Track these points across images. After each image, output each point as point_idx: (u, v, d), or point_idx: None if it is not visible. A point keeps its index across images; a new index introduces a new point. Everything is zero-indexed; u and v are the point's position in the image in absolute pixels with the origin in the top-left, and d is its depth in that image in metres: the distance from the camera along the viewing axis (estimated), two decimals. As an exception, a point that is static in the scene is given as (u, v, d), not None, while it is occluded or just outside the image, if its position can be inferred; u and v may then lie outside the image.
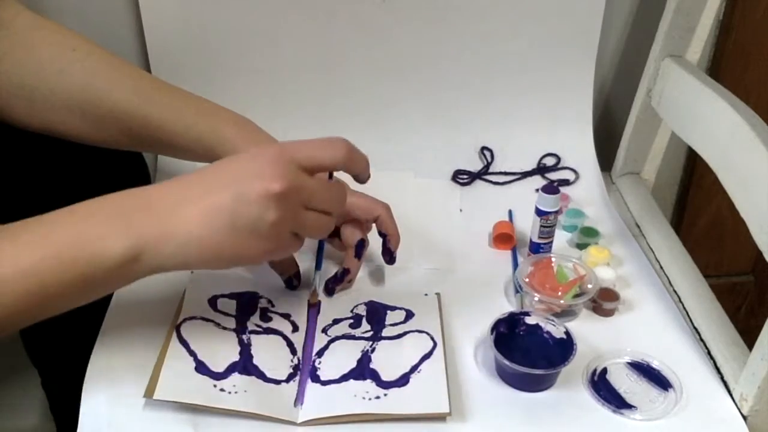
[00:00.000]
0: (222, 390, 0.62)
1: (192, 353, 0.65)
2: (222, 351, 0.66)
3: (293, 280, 0.75)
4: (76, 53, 0.69)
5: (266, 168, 0.56)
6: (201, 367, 0.64)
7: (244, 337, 0.68)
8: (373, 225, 0.75)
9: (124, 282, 0.57)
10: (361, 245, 0.74)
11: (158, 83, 0.73)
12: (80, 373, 0.64)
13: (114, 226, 0.55)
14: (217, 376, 0.63)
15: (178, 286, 0.73)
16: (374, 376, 0.65)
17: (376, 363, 0.66)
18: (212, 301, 0.71)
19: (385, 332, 0.70)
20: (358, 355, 0.67)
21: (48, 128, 0.70)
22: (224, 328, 0.68)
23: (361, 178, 0.66)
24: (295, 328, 0.70)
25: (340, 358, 0.67)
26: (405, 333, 0.70)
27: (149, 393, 0.60)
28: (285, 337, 0.69)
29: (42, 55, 0.68)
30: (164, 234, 0.55)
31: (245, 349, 0.66)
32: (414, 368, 0.66)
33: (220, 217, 0.56)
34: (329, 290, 0.75)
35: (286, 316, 0.71)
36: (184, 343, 0.66)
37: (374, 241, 0.76)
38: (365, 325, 0.71)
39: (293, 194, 0.57)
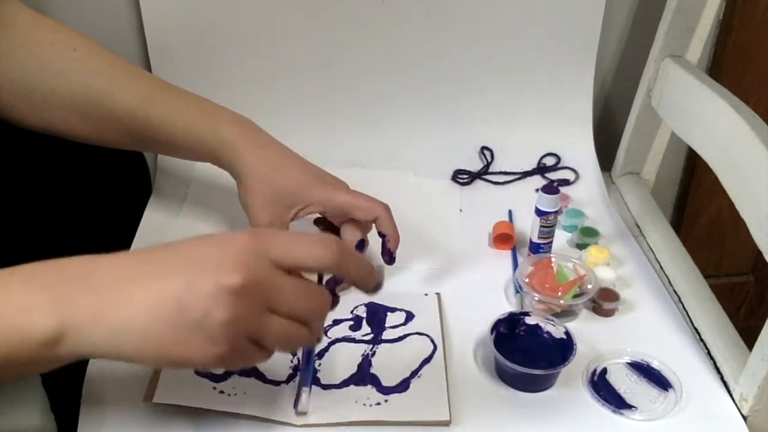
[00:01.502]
0: (221, 392, 0.62)
1: None
2: None
3: None
4: (76, 53, 0.69)
5: (228, 257, 0.47)
6: (200, 370, 0.64)
7: None
8: (373, 225, 0.75)
9: (49, 364, 0.48)
10: (361, 245, 0.74)
11: (159, 83, 0.73)
12: (80, 373, 0.64)
13: (44, 299, 0.46)
14: (216, 379, 0.63)
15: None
16: (375, 382, 0.65)
17: (377, 367, 0.66)
18: None
19: (385, 335, 0.70)
20: (359, 360, 0.67)
21: (48, 128, 0.70)
22: None
23: (365, 287, 0.55)
24: (295, 329, 0.70)
25: (341, 361, 0.67)
26: (405, 336, 0.70)
27: (148, 397, 0.61)
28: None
29: (42, 54, 0.68)
30: (98, 315, 0.46)
31: None
32: (414, 373, 0.66)
33: (166, 308, 0.47)
34: (330, 291, 0.75)
35: None
36: None
37: (374, 242, 0.76)
38: (365, 328, 0.71)
39: (253, 292, 0.47)
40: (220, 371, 0.64)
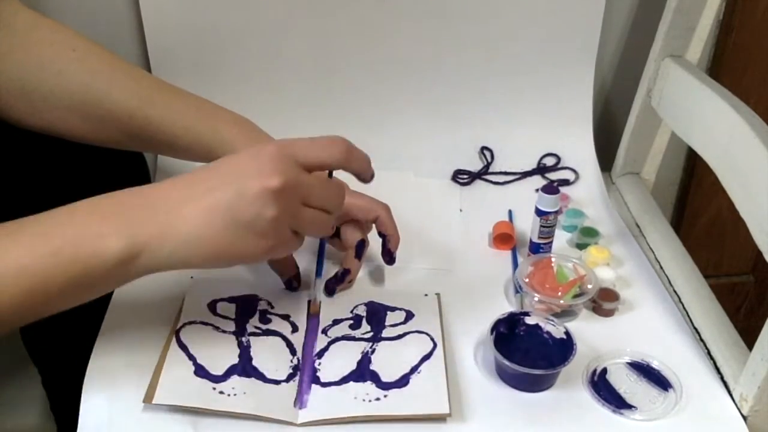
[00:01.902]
0: (221, 392, 0.62)
1: (191, 357, 0.65)
2: (221, 354, 0.66)
3: (293, 282, 0.74)
4: (76, 53, 0.69)
5: (264, 165, 0.56)
6: (200, 371, 0.64)
7: (244, 339, 0.68)
8: (373, 225, 0.75)
9: (124, 280, 0.57)
10: (362, 246, 0.74)
11: (158, 83, 0.73)
12: (80, 373, 0.64)
13: (113, 225, 0.55)
14: (217, 379, 0.63)
15: (178, 285, 0.73)
16: (374, 378, 0.65)
17: (376, 364, 0.66)
18: (212, 306, 0.71)
19: (385, 333, 0.70)
20: (358, 357, 0.67)
21: (48, 128, 0.70)
22: (223, 332, 0.68)
23: (363, 177, 0.65)
24: (295, 329, 0.70)
25: (340, 359, 0.67)
26: (405, 334, 0.70)
27: (148, 399, 0.61)
28: (284, 338, 0.69)
29: (42, 55, 0.68)
30: (163, 233, 0.55)
31: (244, 352, 0.66)
32: (414, 369, 0.66)
33: (219, 216, 0.55)
34: (330, 290, 0.75)
35: (286, 317, 0.71)
36: (184, 348, 0.66)
37: (374, 242, 0.76)
38: (365, 326, 0.71)
39: (291, 191, 0.56)
40: (220, 371, 0.64)
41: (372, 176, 0.65)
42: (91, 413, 0.61)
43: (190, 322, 0.69)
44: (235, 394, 0.62)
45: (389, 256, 0.75)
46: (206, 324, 0.69)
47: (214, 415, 0.61)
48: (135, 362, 0.65)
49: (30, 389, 0.92)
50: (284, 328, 0.70)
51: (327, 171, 0.64)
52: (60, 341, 0.78)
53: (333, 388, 0.64)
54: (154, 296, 0.71)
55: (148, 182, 0.88)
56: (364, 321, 0.72)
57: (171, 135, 0.70)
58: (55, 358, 0.81)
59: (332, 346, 0.69)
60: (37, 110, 0.69)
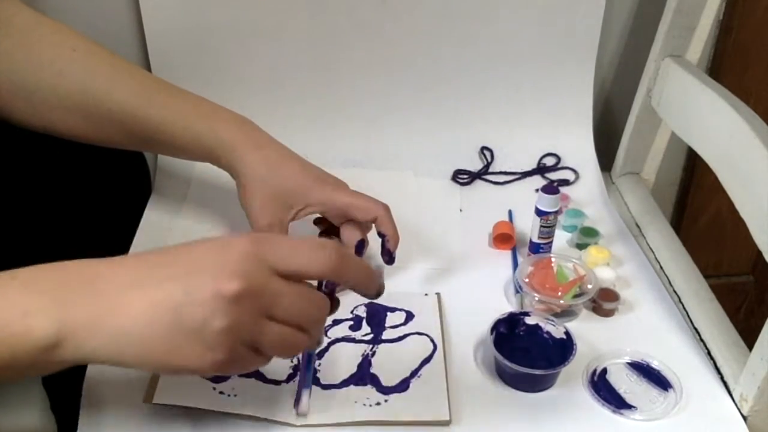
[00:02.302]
0: (221, 393, 0.62)
1: None
2: None
3: None
4: (76, 53, 0.69)
5: (228, 263, 0.47)
6: None
7: None
8: (373, 225, 0.75)
9: (50, 368, 0.48)
10: (361, 246, 0.74)
11: (159, 83, 0.73)
12: (80, 373, 0.64)
13: (43, 303, 0.47)
14: (216, 380, 0.63)
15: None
16: (374, 382, 0.65)
17: (377, 367, 0.66)
18: None
19: (385, 335, 0.70)
20: (359, 360, 0.67)
21: (48, 128, 0.70)
22: None
23: (364, 293, 0.55)
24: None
25: (341, 361, 0.67)
26: (405, 336, 0.70)
27: (148, 398, 0.61)
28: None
29: (42, 55, 0.68)
30: (97, 321, 0.47)
31: None
32: (414, 373, 0.66)
33: (164, 314, 0.47)
34: (329, 293, 0.75)
35: None
36: None
37: (374, 242, 0.76)
38: (365, 328, 0.71)
39: (251, 299, 0.47)
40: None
41: (378, 293, 0.55)
42: (91, 413, 0.61)
43: None
44: (235, 395, 0.62)
45: (389, 256, 0.75)
46: None
47: (215, 415, 0.61)
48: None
49: (30, 389, 0.91)
50: None
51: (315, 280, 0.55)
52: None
53: (333, 390, 0.64)
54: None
55: (148, 182, 0.89)
56: (364, 322, 0.72)
57: (171, 135, 0.70)
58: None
59: (332, 347, 0.69)
60: (38, 110, 0.69)
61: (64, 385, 0.79)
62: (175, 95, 0.72)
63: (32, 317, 0.46)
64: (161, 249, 0.51)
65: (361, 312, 0.73)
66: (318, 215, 0.77)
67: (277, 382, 0.64)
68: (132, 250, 0.77)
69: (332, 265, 0.50)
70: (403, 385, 0.65)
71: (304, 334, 0.51)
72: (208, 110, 0.72)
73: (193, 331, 0.47)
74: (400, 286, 0.77)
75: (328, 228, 0.78)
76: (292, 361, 0.66)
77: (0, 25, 0.68)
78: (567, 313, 0.74)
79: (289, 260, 0.49)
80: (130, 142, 0.73)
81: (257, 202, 0.72)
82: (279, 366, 0.65)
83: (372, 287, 0.54)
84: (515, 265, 0.82)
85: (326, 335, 0.70)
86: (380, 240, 0.75)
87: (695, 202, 1.15)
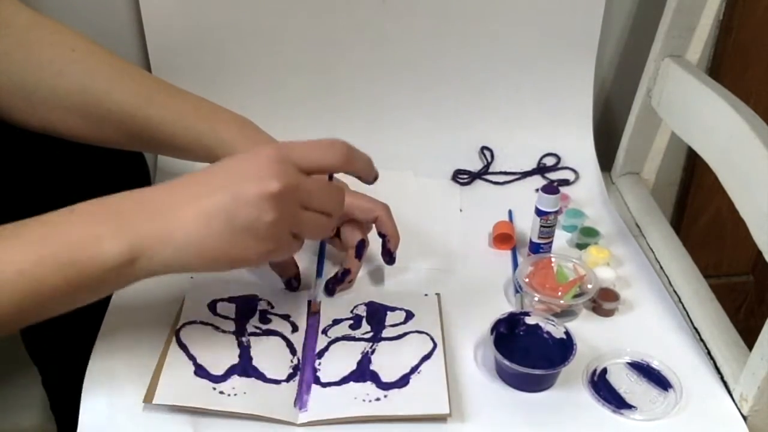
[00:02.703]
0: (221, 392, 0.62)
1: (191, 357, 0.65)
2: (221, 354, 0.66)
3: (293, 282, 0.74)
4: (75, 53, 0.69)
5: (263, 168, 0.56)
6: (200, 371, 0.64)
7: (244, 339, 0.68)
8: (373, 225, 0.75)
9: (123, 283, 0.56)
10: (362, 246, 0.74)
11: (158, 83, 0.73)
12: (80, 373, 0.64)
13: (110, 228, 0.54)
14: (217, 379, 0.63)
15: (178, 286, 0.73)
16: (374, 378, 0.65)
17: (376, 364, 0.66)
18: (212, 306, 0.71)
19: (385, 333, 0.70)
20: (358, 357, 0.67)
21: (48, 128, 0.70)
22: (223, 332, 0.68)
23: (366, 179, 0.65)
24: (295, 329, 0.70)
25: (340, 359, 0.67)
26: (405, 334, 0.70)
27: (148, 398, 0.61)
28: (284, 338, 0.69)
29: (41, 55, 0.68)
30: (162, 236, 0.55)
31: (245, 352, 0.66)
32: (414, 369, 0.66)
33: (218, 219, 0.55)
34: (330, 291, 0.75)
35: (286, 317, 0.71)
36: (184, 348, 0.66)
37: (374, 242, 0.76)
38: (365, 326, 0.71)
39: (290, 194, 0.56)
40: (220, 371, 0.64)
41: (375, 178, 0.65)
42: (91, 413, 0.61)
43: (190, 322, 0.69)
44: (235, 394, 0.62)
45: (389, 256, 0.75)
46: (206, 324, 0.69)
47: (214, 415, 0.61)
48: (135, 362, 0.65)
49: (30, 389, 0.92)
50: (284, 328, 0.70)
51: (327, 174, 0.64)
52: (60, 341, 0.78)
53: (333, 388, 0.64)
54: (154, 297, 0.71)
55: (148, 182, 0.89)
56: (364, 321, 0.72)
57: (171, 135, 0.70)
58: (55, 358, 0.81)
59: (332, 347, 0.69)
60: (37, 110, 0.69)
61: (64, 385, 0.79)
62: (175, 95, 0.72)
63: (105, 240, 0.53)
64: (197, 171, 0.58)
65: (361, 311, 0.73)
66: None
67: (277, 382, 0.64)
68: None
69: (343, 157, 0.60)
70: (402, 381, 0.65)
71: (330, 218, 0.61)
72: (209, 110, 0.72)
73: (247, 228, 0.55)
74: (400, 286, 0.77)
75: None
76: (292, 361, 0.66)
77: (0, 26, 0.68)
78: (567, 313, 0.74)
79: (310, 158, 0.59)
80: (129, 142, 0.73)
81: None
82: (279, 366, 0.65)
83: (372, 174, 0.64)
84: (515, 265, 0.82)
85: (326, 334, 0.70)
86: (381, 240, 0.75)
87: (695, 202, 1.15)
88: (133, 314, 0.70)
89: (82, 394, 0.63)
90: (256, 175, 0.55)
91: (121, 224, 0.54)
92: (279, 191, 0.55)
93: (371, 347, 0.68)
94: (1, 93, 0.68)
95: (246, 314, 0.71)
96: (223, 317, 0.70)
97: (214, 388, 0.62)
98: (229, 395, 0.62)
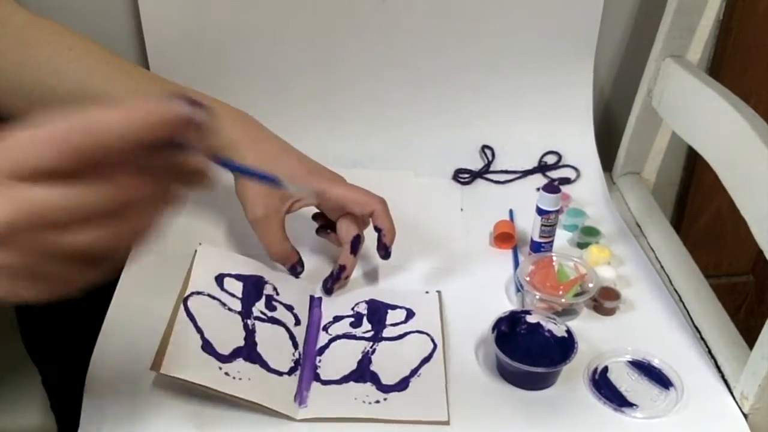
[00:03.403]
0: (227, 374, 0.62)
1: (199, 330, 0.64)
2: (227, 333, 0.65)
3: (297, 267, 0.74)
4: (72, 52, 0.69)
5: None
6: (207, 347, 0.63)
7: (249, 322, 0.67)
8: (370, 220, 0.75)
9: None
10: (357, 241, 0.74)
11: (156, 80, 0.73)
12: (81, 371, 0.64)
13: None
14: (223, 359, 0.63)
15: (178, 285, 0.72)
16: (374, 379, 0.65)
17: (377, 365, 0.66)
18: (219, 279, 0.71)
19: (386, 332, 0.70)
20: (359, 357, 0.67)
21: (47, 127, 0.70)
22: (230, 310, 0.68)
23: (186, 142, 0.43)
24: (297, 322, 0.70)
25: (341, 358, 0.67)
26: (405, 334, 0.70)
27: (156, 366, 0.60)
28: (288, 330, 0.69)
29: (39, 54, 0.68)
30: None
31: (250, 336, 0.66)
32: (414, 372, 0.66)
33: None
34: (328, 290, 0.75)
35: (290, 308, 0.71)
36: (192, 318, 0.65)
37: (372, 240, 0.76)
38: (366, 325, 0.71)
39: (17, 228, 0.36)
40: (226, 351, 0.63)
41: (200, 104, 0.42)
42: (92, 411, 0.61)
43: (198, 293, 0.68)
44: (240, 379, 0.62)
45: (384, 251, 0.74)
46: (213, 298, 0.69)
47: (215, 413, 0.61)
48: (135, 363, 0.64)
49: (30, 389, 0.91)
50: (288, 319, 0.70)
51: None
52: (60, 341, 0.78)
53: (333, 386, 0.64)
54: (154, 297, 0.71)
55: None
56: (364, 319, 0.72)
57: None
58: (55, 358, 0.81)
59: (333, 344, 0.69)
60: (35, 109, 0.69)
61: (64, 385, 0.79)
62: (174, 92, 0.72)
63: None
64: None
65: (362, 309, 0.73)
66: (316, 210, 0.77)
67: (279, 373, 0.64)
68: (132, 249, 0.77)
69: (72, 145, 0.36)
70: (402, 384, 0.65)
71: (118, 223, 0.39)
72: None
73: None
74: (400, 285, 0.77)
75: (326, 223, 0.78)
76: (294, 355, 0.66)
77: (-3, 25, 0.67)
78: (568, 312, 0.74)
79: (23, 162, 0.36)
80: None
81: (252, 194, 0.72)
82: (282, 357, 0.65)
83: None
84: (516, 263, 0.82)
85: (327, 332, 0.70)
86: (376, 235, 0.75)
87: (695, 202, 1.15)
88: (133, 315, 0.70)
89: (84, 392, 0.62)
90: None
91: None
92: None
93: (372, 347, 0.68)
94: (-1, 92, 0.68)
95: (252, 296, 0.70)
96: (230, 294, 0.70)
97: (220, 368, 0.62)
98: (234, 378, 0.61)
